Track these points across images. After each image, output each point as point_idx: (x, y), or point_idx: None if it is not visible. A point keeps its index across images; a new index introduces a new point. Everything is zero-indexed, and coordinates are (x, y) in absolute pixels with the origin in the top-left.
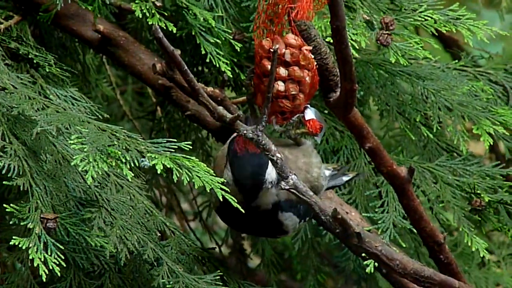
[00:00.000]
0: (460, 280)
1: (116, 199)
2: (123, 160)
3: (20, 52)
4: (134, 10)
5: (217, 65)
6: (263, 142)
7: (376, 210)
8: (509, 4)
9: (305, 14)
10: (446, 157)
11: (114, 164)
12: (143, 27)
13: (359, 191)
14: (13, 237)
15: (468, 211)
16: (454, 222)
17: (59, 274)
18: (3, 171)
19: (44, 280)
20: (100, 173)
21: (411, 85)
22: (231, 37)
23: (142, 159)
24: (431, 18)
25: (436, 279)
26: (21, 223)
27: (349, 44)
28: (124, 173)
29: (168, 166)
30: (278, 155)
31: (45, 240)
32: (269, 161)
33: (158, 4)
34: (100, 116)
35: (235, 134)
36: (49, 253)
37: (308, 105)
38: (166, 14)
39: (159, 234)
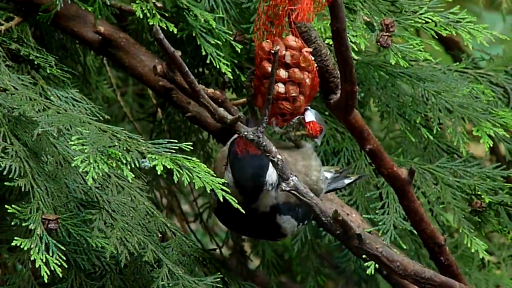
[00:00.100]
0: (461, 282)
1: (117, 201)
2: (124, 161)
3: (21, 54)
4: (134, 11)
5: (218, 67)
6: (264, 143)
7: (377, 211)
8: (510, 5)
9: (305, 16)
10: (446, 159)
11: (114, 165)
12: (143, 29)
13: (359, 193)
14: (15, 238)
15: (468, 212)
16: (454, 224)
17: (60, 275)
18: (5, 172)
19: (46, 281)
20: (101, 174)
21: (412, 87)
22: (232, 39)
23: (142, 160)
24: (432, 20)
25: (437, 281)
26: (23, 224)
27: (350, 46)
28: (125, 174)
29: (169, 167)
30: (279, 156)
31: (47, 241)
32: (270, 163)
33: (159, 5)
34: (100, 118)
35: (235, 136)
36: (51, 254)
37: (309, 107)
38: (166, 15)
39: (160, 236)
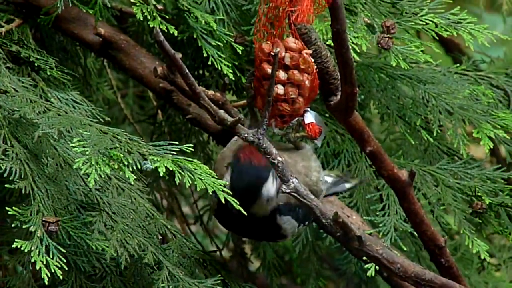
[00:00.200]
0: (461, 284)
1: (117, 203)
2: (125, 163)
3: (21, 55)
4: (135, 13)
5: (219, 68)
6: (264, 145)
7: (377, 213)
8: (510, 7)
9: (305, 17)
10: (447, 161)
11: (116, 167)
12: (144, 31)
13: (360, 195)
14: (15, 240)
15: (469, 214)
16: (454, 225)
17: (61, 277)
18: (5, 174)
19: (46, 283)
20: (102, 176)
21: (412, 89)
22: (233, 40)
23: (144, 161)
24: (432, 22)
25: (437, 283)
26: (23, 226)
27: (350, 47)
28: (126, 176)
29: (171, 169)
30: (279, 158)
31: (47, 243)
32: (270, 177)
33: (160, 7)
34: (101, 120)
35: (235, 138)
36: (51, 256)
37: (308, 109)
38: (167, 17)
39: (160, 238)
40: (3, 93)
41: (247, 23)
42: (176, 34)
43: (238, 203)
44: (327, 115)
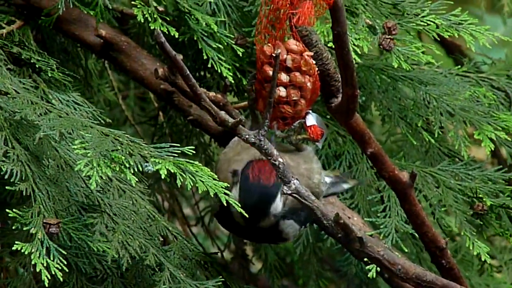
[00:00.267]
0: (462, 285)
1: (118, 204)
2: (127, 165)
3: (23, 57)
4: (136, 15)
5: (219, 70)
6: (266, 147)
7: (378, 215)
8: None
9: (306, 19)
10: (448, 162)
11: (118, 169)
12: (145, 32)
13: (361, 196)
14: (16, 242)
15: (470, 215)
16: (455, 227)
17: (61, 279)
18: (6, 176)
19: (47, 285)
20: (103, 178)
21: (413, 90)
22: (233, 42)
23: (145, 164)
24: (434, 23)
25: (438, 284)
26: (24, 228)
27: (351, 49)
28: (128, 178)
29: (172, 171)
30: (280, 160)
31: (48, 245)
32: (278, 195)
33: (160, 9)
34: (102, 121)
35: (236, 138)
36: (52, 258)
37: (310, 111)
38: (168, 19)
39: (162, 239)
40: (4, 94)
41: (248, 25)
42: (177, 36)
43: (245, 215)
44: (328, 116)
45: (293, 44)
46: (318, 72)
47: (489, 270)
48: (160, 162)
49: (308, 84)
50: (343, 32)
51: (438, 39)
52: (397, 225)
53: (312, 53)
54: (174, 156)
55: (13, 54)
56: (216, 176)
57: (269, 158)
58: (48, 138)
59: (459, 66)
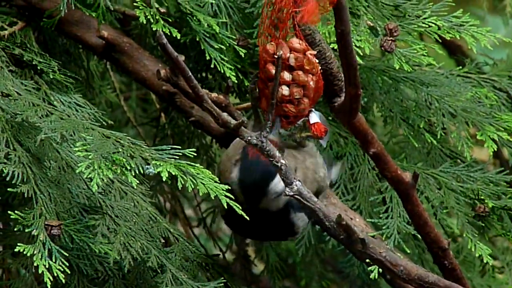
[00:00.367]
0: (464, 286)
1: (120, 206)
2: (128, 167)
3: (24, 59)
4: (138, 16)
5: (222, 71)
6: (267, 148)
7: (381, 216)
8: None
9: (310, 18)
10: (450, 163)
11: (119, 171)
12: (147, 33)
13: (363, 197)
14: (18, 243)
15: (471, 217)
16: (457, 228)
17: (63, 280)
18: (8, 178)
19: (49, 286)
20: (105, 180)
21: (415, 91)
22: (236, 43)
23: (147, 166)
24: (435, 24)
25: (441, 285)
26: (26, 230)
27: (354, 49)
28: (129, 180)
29: (173, 173)
30: (282, 161)
31: (50, 247)
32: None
33: (162, 10)
34: (104, 123)
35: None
36: (54, 260)
37: (313, 109)
38: (170, 20)
39: (163, 241)
40: (5, 96)
41: (250, 26)
42: (179, 37)
43: (239, 200)
44: (330, 118)
45: (296, 42)
46: (321, 71)
47: (491, 271)
48: (161, 164)
49: (311, 83)
50: (346, 31)
51: (440, 40)
52: (399, 226)
53: (315, 52)
54: (175, 158)
55: (15, 55)
56: (217, 178)
57: (271, 159)
58: (50, 140)
59: (461, 67)
